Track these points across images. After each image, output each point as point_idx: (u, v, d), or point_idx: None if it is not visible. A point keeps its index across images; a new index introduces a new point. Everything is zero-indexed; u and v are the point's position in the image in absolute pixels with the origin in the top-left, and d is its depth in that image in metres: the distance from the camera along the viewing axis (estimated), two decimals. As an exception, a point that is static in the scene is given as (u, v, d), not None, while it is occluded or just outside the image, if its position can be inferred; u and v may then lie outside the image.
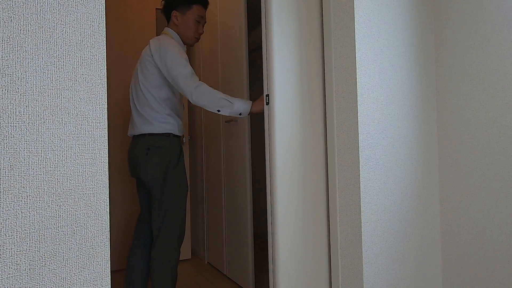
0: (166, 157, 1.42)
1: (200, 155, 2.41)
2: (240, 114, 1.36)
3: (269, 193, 1.20)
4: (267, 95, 1.21)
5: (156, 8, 2.40)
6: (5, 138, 0.60)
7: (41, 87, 0.64)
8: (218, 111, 1.35)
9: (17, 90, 0.61)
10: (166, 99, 1.45)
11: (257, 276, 2.02)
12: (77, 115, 0.68)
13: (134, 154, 1.45)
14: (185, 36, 1.53)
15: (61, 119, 0.66)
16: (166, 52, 1.38)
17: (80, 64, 0.68)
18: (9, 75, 0.61)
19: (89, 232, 0.68)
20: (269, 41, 1.20)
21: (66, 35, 0.67)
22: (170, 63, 1.37)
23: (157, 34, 2.45)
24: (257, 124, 2.90)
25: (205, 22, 1.58)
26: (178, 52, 1.39)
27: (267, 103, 1.21)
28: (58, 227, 0.65)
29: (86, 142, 0.68)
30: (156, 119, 1.42)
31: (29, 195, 0.62)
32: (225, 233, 2.03)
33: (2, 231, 0.59)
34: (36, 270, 0.62)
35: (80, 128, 0.68)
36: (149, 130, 1.41)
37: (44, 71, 0.64)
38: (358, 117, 1.19)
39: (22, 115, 0.62)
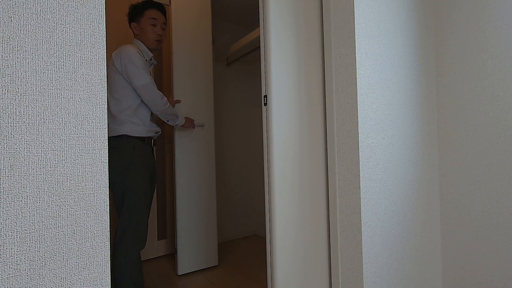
0: (118, 158, 1.47)
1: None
2: (176, 124, 1.78)
3: (267, 193, 1.20)
4: (265, 96, 1.21)
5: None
6: (5, 138, 0.60)
7: (41, 87, 0.64)
8: (168, 121, 1.71)
9: (17, 90, 0.61)
10: (131, 105, 1.51)
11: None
12: (77, 115, 0.68)
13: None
14: (147, 41, 1.63)
15: (61, 119, 0.66)
16: (127, 61, 1.47)
17: (80, 64, 0.68)
18: (9, 75, 0.61)
19: (89, 232, 0.68)
20: (267, 41, 1.20)
21: (66, 35, 0.67)
22: (131, 72, 1.47)
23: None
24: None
25: (164, 22, 1.66)
26: (138, 62, 1.48)
27: (265, 104, 1.21)
28: (58, 227, 0.65)
29: (86, 142, 0.68)
30: (114, 122, 1.50)
31: (29, 195, 0.62)
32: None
33: (2, 231, 0.59)
34: (36, 270, 0.62)
35: (80, 128, 0.68)
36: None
37: (44, 71, 0.64)
38: (358, 117, 1.19)
39: (22, 115, 0.62)
